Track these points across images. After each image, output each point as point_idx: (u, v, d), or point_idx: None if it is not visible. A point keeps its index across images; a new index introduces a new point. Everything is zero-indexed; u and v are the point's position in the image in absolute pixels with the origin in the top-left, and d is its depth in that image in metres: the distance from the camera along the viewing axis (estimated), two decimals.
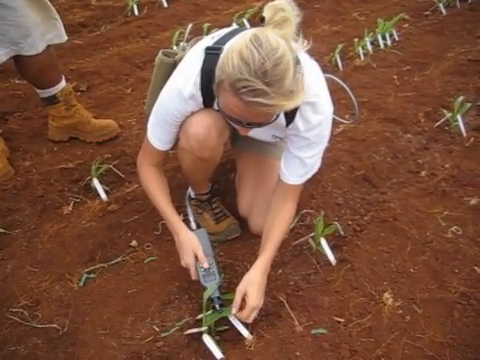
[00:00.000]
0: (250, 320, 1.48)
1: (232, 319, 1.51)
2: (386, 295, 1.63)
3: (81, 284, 1.72)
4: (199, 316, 1.54)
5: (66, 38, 2.22)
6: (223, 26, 1.75)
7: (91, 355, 1.49)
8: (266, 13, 1.29)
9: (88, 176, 2.12)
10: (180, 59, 1.61)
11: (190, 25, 3.00)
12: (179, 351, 1.50)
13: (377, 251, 1.80)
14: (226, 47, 1.40)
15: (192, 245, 1.60)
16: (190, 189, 1.96)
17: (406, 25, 3.67)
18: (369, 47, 3.24)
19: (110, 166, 2.15)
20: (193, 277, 1.58)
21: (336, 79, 2.00)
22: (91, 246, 1.85)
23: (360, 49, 3.17)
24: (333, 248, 1.79)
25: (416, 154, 2.34)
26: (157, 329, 1.55)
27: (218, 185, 2.08)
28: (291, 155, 1.59)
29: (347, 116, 2.58)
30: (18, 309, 1.64)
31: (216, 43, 1.50)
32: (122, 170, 2.19)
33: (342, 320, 1.55)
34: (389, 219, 1.95)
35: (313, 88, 1.45)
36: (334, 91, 1.64)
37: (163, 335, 1.53)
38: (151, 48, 3.28)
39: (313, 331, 1.52)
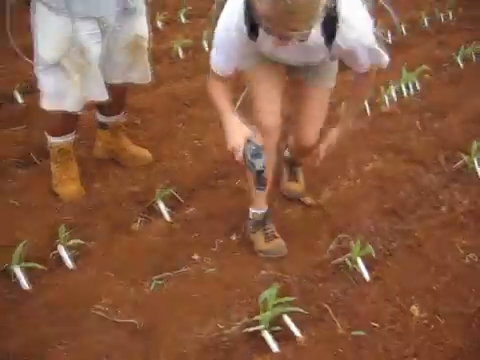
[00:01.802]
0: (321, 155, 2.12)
1: (286, 318, 1.80)
2: (413, 307, 1.92)
3: (152, 288, 2.02)
4: (256, 317, 1.83)
5: None
6: None
7: (167, 345, 1.78)
8: None
9: (151, 198, 2.44)
10: None
11: None
12: (239, 346, 1.79)
13: (404, 271, 2.10)
14: None
15: (241, 129, 1.83)
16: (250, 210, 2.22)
17: (427, 75, 4.02)
18: (394, 95, 3.58)
19: (171, 190, 2.48)
20: (237, 157, 1.80)
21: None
22: (158, 257, 2.16)
23: (386, 97, 3.52)
24: (367, 267, 2.09)
25: (437, 191, 2.65)
26: (221, 327, 1.85)
27: None
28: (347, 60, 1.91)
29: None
30: (100, 306, 1.94)
31: None
32: (180, 194, 2.52)
33: (377, 325, 1.84)
34: (414, 246, 2.25)
35: (346, 7, 1.68)
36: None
37: (226, 332, 1.83)
38: (197, 88, 3.65)
39: (353, 333, 1.81)
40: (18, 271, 2.03)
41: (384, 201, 2.55)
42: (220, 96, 1.93)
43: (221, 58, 1.87)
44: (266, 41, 1.73)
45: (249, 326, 1.83)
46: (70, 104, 2.30)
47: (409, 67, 3.94)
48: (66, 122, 2.44)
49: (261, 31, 1.67)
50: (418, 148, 3.04)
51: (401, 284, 2.03)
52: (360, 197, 2.55)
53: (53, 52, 2.22)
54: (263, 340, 1.78)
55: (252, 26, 1.70)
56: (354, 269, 2.10)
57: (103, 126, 2.71)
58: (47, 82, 2.30)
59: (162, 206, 2.40)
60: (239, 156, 1.80)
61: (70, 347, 1.77)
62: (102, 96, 2.32)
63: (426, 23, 5.18)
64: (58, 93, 2.30)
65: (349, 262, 2.11)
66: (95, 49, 2.23)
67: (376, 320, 1.86)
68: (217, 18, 1.86)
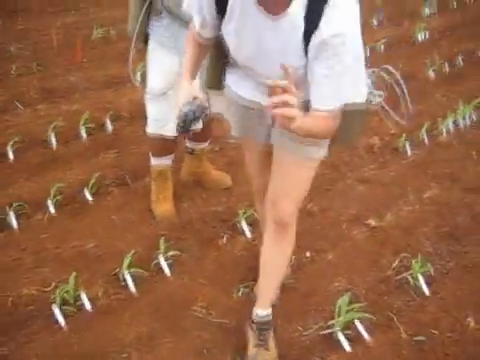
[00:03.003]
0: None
1: (357, 322, 2.11)
2: (469, 319, 2.20)
3: (239, 295, 2.38)
4: (330, 322, 2.16)
5: None
6: None
7: None
8: None
9: (234, 218, 2.81)
10: None
11: None
12: (316, 345, 2.11)
13: (460, 288, 2.38)
14: None
15: (188, 91, 1.74)
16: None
17: None
18: (451, 126, 3.85)
19: (252, 211, 2.84)
20: (176, 112, 1.72)
21: (391, 69, 1.81)
22: (243, 269, 2.52)
23: (443, 128, 3.79)
24: (426, 284, 2.38)
25: None
26: (300, 329, 2.18)
27: None
28: (313, 77, 1.47)
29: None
30: (197, 308, 2.31)
31: None
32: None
33: (436, 332, 2.13)
34: (469, 265, 2.52)
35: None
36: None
37: (304, 334, 2.16)
38: None
39: (415, 338, 2.11)
40: (127, 276, 2.42)
41: (441, 225, 2.82)
42: (189, 47, 1.80)
43: (195, 15, 1.70)
44: (233, 17, 1.53)
45: (324, 329, 2.15)
46: (170, 130, 2.64)
47: (465, 97, 4.19)
48: (166, 145, 2.83)
49: (230, 5, 1.51)
50: (474, 177, 3.29)
51: (457, 299, 2.31)
52: (419, 221, 2.83)
53: (162, 84, 2.63)
54: (337, 341, 2.10)
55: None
56: (415, 285, 2.39)
57: (191, 152, 3.11)
58: (153, 110, 2.72)
59: (244, 225, 2.76)
60: (177, 111, 1.73)
61: (174, 340, 2.14)
62: (197, 125, 2.71)
63: None
64: (161, 120, 2.70)
65: (410, 278, 2.40)
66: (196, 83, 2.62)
67: (435, 328, 2.15)
68: None
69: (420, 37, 5.77)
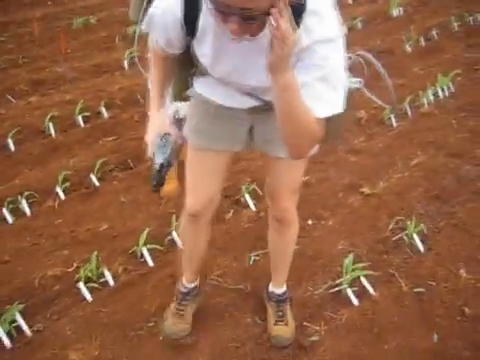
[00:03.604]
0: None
1: (362, 279, 2.32)
2: (461, 270, 2.43)
3: (250, 263, 2.56)
4: (338, 280, 2.36)
5: None
6: None
7: None
8: None
9: (238, 193, 2.99)
10: None
11: None
12: (327, 302, 2.32)
13: (452, 244, 2.61)
14: None
15: (163, 124, 1.67)
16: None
17: (459, 78, 4.48)
18: (431, 97, 4.07)
19: (254, 186, 3.02)
20: (148, 153, 1.65)
21: (370, 58, 1.69)
22: (251, 239, 2.70)
23: (424, 99, 4.00)
24: (421, 242, 2.60)
25: (475, 180, 3.14)
26: (311, 289, 2.38)
27: None
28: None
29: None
30: (214, 276, 2.48)
31: None
32: (261, 188, 3.04)
33: (433, 283, 2.36)
34: (459, 224, 2.75)
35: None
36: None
37: (315, 292, 2.36)
38: None
39: (415, 290, 2.32)
40: (145, 251, 2.59)
41: (430, 189, 3.04)
42: (154, 70, 1.71)
43: (158, 35, 1.58)
44: (207, 39, 1.46)
45: (333, 287, 2.36)
46: None
47: (442, 70, 4.41)
48: None
49: (201, 26, 1.43)
50: (455, 143, 3.52)
51: (450, 253, 2.54)
52: (409, 186, 3.05)
53: None
54: (345, 297, 2.31)
55: (190, 18, 1.43)
56: (410, 243, 2.60)
57: None
58: None
59: (248, 199, 2.94)
60: (149, 152, 1.65)
61: (197, 306, 2.31)
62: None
63: (456, 27, 5.61)
64: None
65: (406, 238, 2.62)
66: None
67: (432, 280, 2.38)
68: None
69: (395, 12, 5.98)
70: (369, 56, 1.67)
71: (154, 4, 1.52)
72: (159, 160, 1.58)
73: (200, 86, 1.71)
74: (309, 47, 1.32)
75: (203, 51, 1.52)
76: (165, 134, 1.64)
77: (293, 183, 1.89)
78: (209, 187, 1.89)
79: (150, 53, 1.72)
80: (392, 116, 3.74)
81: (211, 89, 1.67)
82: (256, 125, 1.75)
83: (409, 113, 3.89)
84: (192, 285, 2.22)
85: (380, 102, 1.95)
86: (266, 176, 1.95)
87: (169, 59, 1.67)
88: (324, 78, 1.34)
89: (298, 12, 1.29)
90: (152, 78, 1.74)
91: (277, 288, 2.22)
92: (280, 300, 2.20)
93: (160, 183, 1.62)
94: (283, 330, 2.14)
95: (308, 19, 1.30)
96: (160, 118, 1.71)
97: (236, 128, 1.77)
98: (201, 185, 1.88)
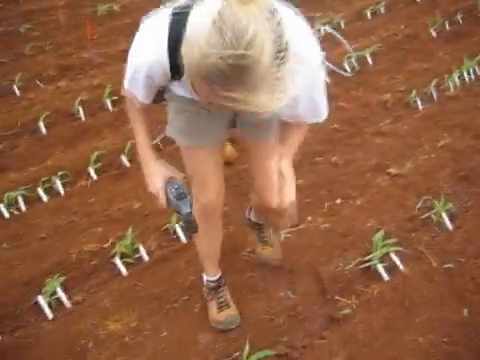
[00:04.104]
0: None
1: (392, 255, 2.37)
2: None
3: (281, 239, 2.61)
4: (368, 257, 2.41)
5: None
6: None
7: (303, 279, 2.38)
8: None
9: None
10: None
11: None
12: (358, 277, 2.37)
13: None
14: (191, 18, 1.10)
15: (160, 172, 1.65)
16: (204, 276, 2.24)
17: None
18: (457, 81, 4.07)
19: None
20: (162, 201, 1.63)
21: (327, 28, 1.85)
22: None
23: (450, 83, 4.01)
24: (449, 220, 2.63)
25: None
26: (341, 265, 2.43)
27: None
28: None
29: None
30: (245, 253, 2.54)
31: (183, 5, 1.34)
32: None
33: (463, 260, 2.39)
34: None
35: (294, 37, 1.10)
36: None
37: (346, 268, 2.41)
38: None
39: (444, 266, 2.37)
40: (178, 228, 2.66)
41: (457, 170, 3.06)
42: (136, 121, 1.72)
43: (137, 87, 1.57)
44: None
45: (363, 263, 2.41)
46: None
47: (467, 53, 4.38)
48: None
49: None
50: None
51: (479, 231, 2.57)
52: (436, 167, 3.07)
53: None
54: (375, 273, 2.36)
55: (175, 65, 1.37)
56: (439, 222, 2.64)
57: None
58: None
59: None
60: (161, 201, 1.63)
61: (230, 282, 2.34)
62: None
63: None
64: None
65: (434, 216, 2.65)
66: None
67: (462, 256, 2.41)
68: None
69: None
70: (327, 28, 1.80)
71: (136, 56, 1.50)
72: (186, 209, 1.56)
73: (177, 89, 1.66)
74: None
75: (184, 91, 1.60)
76: (171, 179, 1.63)
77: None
78: (216, 176, 1.89)
79: (126, 103, 1.70)
80: (418, 99, 3.75)
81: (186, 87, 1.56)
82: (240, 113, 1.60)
83: (435, 96, 3.90)
84: (218, 275, 2.22)
85: (340, 71, 2.13)
86: (251, 166, 1.98)
87: (143, 104, 1.67)
88: (316, 89, 1.47)
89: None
90: (135, 126, 1.73)
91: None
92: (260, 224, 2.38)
93: (196, 229, 1.61)
94: (267, 251, 2.41)
95: (293, 65, 1.12)
96: (159, 165, 1.68)
97: (220, 120, 1.77)
98: (208, 176, 1.87)
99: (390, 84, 4.08)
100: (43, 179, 3.10)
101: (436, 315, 2.15)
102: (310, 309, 2.23)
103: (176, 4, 1.38)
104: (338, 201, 2.85)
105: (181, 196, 1.57)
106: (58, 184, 3.10)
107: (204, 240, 2.09)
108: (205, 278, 2.23)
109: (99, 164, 3.24)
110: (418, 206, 2.74)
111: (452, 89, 4.01)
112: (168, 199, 1.60)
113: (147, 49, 1.45)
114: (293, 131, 1.65)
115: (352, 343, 2.06)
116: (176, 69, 1.39)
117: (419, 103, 3.76)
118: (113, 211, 2.93)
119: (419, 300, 2.21)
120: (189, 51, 1.06)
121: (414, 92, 3.78)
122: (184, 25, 1.10)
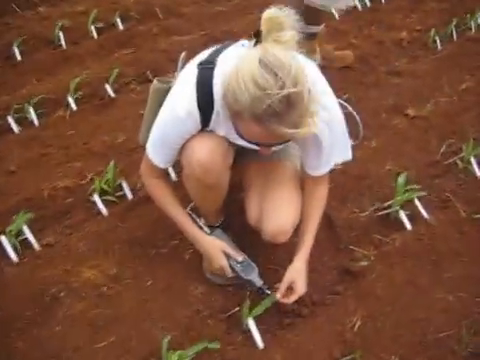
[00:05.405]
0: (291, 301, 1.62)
1: (416, 201, 2.05)
2: None
3: None
4: (387, 203, 2.08)
5: None
6: None
7: None
8: (264, 26, 1.23)
9: None
10: None
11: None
12: (374, 226, 2.05)
13: None
14: (222, 63, 1.39)
15: (219, 246, 1.67)
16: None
17: None
18: (479, 21, 3.69)
19: None
20: (229, 275, 1.69)
21: (342, 102, 1.80)
22: None
23: (472, 23, 3.63)
24: (478, 166, 2.32)
25: None
26: (356, 210, 2.11)
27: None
28: (307, 149, 1.57)
29: None
30: None
31: (208, 58, 1.47)
32: None
33: None
34: None
35: (318, 85, 1.37)
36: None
37: (361, 215, 2.09)
38: None
39: (474, 216, 2.06)
40: None
41: None
42: (167, 199, 1.69)
43: (162, 149, 1.59)
44: (221, 126, 1.50)
45: (381, 210, 2.09)
46: None
47: None
48: None
49: (214, 116, 1.46)
50: None
51: None
52: (460, 110, 2.74)
53: None
54: (396, 221, 2.05)
55: (205, 112, 1.45)
56: (465, 168, 2.32)
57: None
58: None
59: None
60: (230, 273, 1.69)
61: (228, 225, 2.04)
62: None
63: None
64: None
65: (460, 162, 2.33)
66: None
67: None
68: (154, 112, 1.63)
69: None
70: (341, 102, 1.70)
71: (167, 115, 1.52)
72: (259, 282, 1.67)
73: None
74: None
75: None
76: (229, 255, 1.69)
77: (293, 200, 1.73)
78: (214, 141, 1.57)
79: (146, 181, 1.73)
80: (437, 38, 3.38)
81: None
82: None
83: (455, 37, 3.53)
84: (220, 220, 1.88)
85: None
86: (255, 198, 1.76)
87: (164, 171, 1.71)
88: (339, 128, 1.61)
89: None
90: (166, 204, 1.71)
91: None
92: None
93: (268, 288, 1.69)
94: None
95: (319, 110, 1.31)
96: (214, 240, 1.70)
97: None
98: (203, 136, 1.55)
99: (405, 23, 3.69)
100: (15, 107, 2.71)
101: (467, 271, 1.85)
102: (320, 260, 1.91)
103: (199, 60, 1.47)
104: (350, 142, 2.50)
105: (248, 270, 1.67)
106: (32, 113, 2.72)
107: (203, 203, 1.78)
108: (201, 221, 1.85)
109: (80, 93, 2.86)
110: (442, 150, 2.41)
111: (473, 30, 3.63)
112: (235, 272, 1.68)
113: (178, 108, 1.47)
114: (315, 204, 1.68)
115: (371, 300, 1.76)
116: (206, 122, 1.48)
117: (438, 43, 3.39)
118: (94, 144, 2.56)
119: (448, 253, 1.91)
120: (235, 99, 1.22)
121: (433, 31, 3.40)
122: (212, 77, 1.36)
